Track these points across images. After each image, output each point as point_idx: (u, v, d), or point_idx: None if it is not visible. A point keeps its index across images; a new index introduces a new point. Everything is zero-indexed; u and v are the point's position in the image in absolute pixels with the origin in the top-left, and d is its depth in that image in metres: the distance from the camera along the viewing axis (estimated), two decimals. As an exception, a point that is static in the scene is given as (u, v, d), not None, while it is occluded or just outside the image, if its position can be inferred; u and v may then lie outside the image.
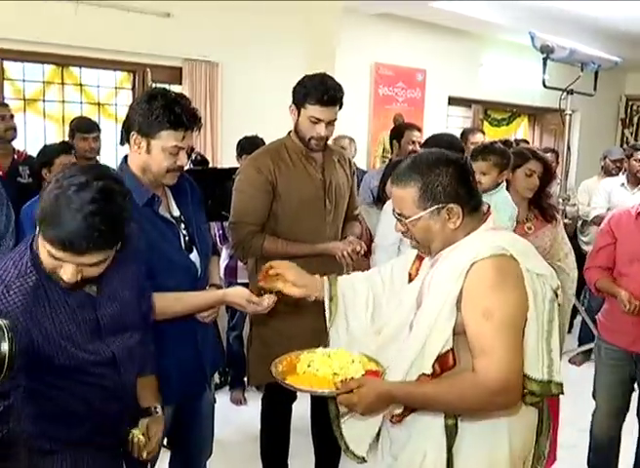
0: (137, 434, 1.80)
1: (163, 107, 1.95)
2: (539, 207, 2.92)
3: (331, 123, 2.59)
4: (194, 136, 2.08)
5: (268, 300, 2.12)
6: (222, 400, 3.95)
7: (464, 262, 1.58)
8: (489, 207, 1.78)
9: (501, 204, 2.77)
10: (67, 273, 1.47)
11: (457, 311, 1.59)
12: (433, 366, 1.61)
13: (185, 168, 2.53)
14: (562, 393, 1.63)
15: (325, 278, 2.07)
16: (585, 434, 3.01)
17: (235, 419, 3.81)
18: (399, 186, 1.68)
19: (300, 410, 2.96)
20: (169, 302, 2.03)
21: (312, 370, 1.74)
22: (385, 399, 1.63)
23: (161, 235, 2.07)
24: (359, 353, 1.80)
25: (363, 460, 1.89)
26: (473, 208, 1.68)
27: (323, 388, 1.67)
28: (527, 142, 4.81)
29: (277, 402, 2.85)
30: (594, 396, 2.93)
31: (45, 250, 1.46)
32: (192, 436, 2.34)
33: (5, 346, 0.95)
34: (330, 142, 2.86)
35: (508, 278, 1.56)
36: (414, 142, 4.10)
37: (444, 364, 1.62)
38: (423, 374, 1.63)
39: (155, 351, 1.97)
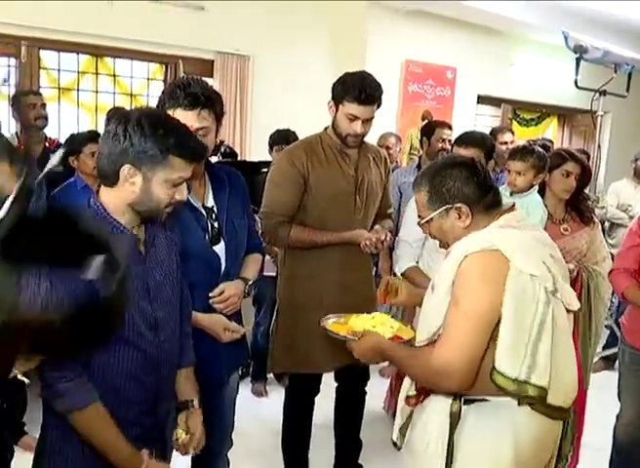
0: (180, 433, 1.84)
1: (176, 88, 2.03)
2: (576, 209, 2.90)
3: (368, 121, 2.60)
4: (209, 117, 2.05)
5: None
6: (244, 391, 3.97)
7: (459, 255, 1.68)
8: (513, 204, 1.85)
9: (532, 207, 2.78)
10: (183, 193, 1.64)
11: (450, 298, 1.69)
12: (428, 345, 1.74)
13: (214, 159, 2.54)
14: (541, 398, 1.64)
15: None
16: (609, 436, 2.99)
17: (256, 411, 3.84)
18: (415, 191, 1.85)
19: (323, 404, 2.99)
20: None
21: (351, 325, 2.10)
22: (377, 351, 1.88)
23: (182, 222, 2.07)
24: (402, 322, 2.16)
25: (395, 446, 1.98)
26: (486, 206, 1.77)
27: (342, 333, 2.06)
28: (551, 143, 4.77)
29: (301, 394, 2.88)
30: (619, 398, 2.91)
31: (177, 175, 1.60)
32: (212, 428, 2.36)
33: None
34: (375, 140, 2.88)
35: (487, 274, 1.64)
36: (444, 140, 4.07)
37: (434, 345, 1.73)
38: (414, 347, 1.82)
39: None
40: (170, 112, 1.98)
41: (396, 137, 4.89)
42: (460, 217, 1.76)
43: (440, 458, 1.72)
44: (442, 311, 1.69)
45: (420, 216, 1.86)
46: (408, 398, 1.86)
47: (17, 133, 3.87)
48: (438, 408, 1.76)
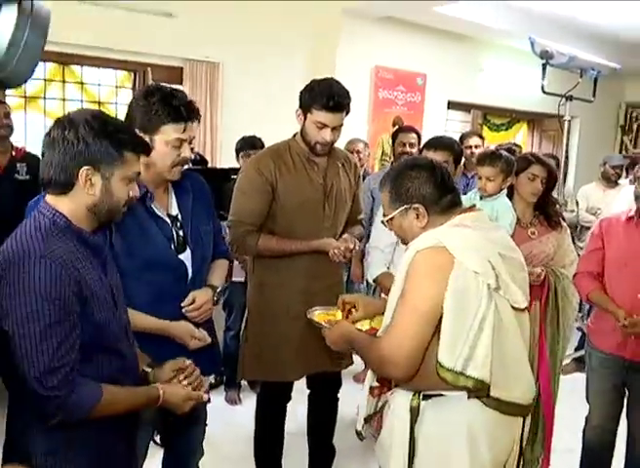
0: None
1: (160, 102, 1.98)
2: (544, 212, 2.92)
3: (337, 128, 2.59)
4: (195, 127, 2.06)
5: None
6: (217, 399, 3.96)
7: (411, 252, 1.78)
8: (473, 205, 1.96)
9: (502, 210, 2.80)
10: (135, 188, 1.67)
11: None
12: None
13: (185, 166, 2.51)
14: (479, 390, 1.71)
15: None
16: (580, 438, 3.02)
17: (230, 419, 3.81)
18: (380, 191, 1.96)
19: (295, 410, 2.97)
20: None
21: (337, 316, 2.26)
22: (344, 339, 2.00)
23: (146, 231, 2.07)
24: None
25: (359, 436, 2.09)
26: (443, 207, 1.85)
27: (319, 320, 2.23)
28: (518, 147, 4.84)
29: (272, 402, 2.86)
30: (588, 401, 2.94)
31: (132, 171, 1.64)
32: (183, 437, 2.34)
33: None
34: (342, 146, 2.87)
35: (433, 269, 1.72)
36: (405, 144, 4.10)
37: None
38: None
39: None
40: (171, 125, 1.98)
41: (364, 144, 4.91)
42: (417, 217, 1.85)
43: (403, 452, 1.79)
44: (392, 307, 1.80)
45: (384, 215, 1.95)
46: (371, 388, 1.97)
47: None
48: (400, 402, 1.84)
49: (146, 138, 1.99)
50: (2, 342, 1.49)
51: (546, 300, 2.79)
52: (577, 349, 5.01)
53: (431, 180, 1.84)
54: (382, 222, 1.98)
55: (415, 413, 1.79)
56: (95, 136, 1.54)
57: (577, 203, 5.55)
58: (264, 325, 2.71)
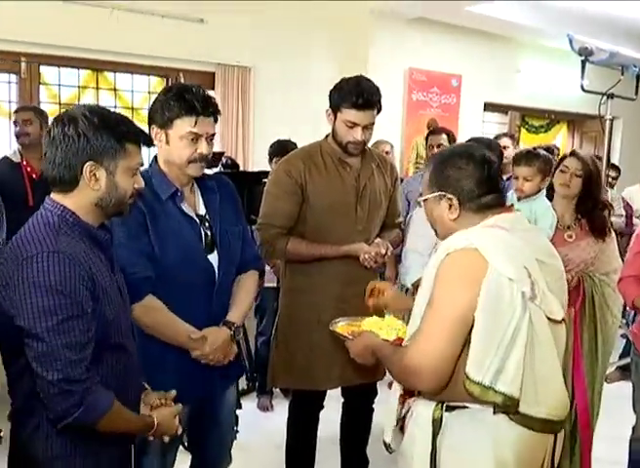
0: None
1: (175, 96, 1.98)
2: (587, 216, 2.76)
3: (368, 127, 2.51)
4: (211, 123, 2.03)
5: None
6: (250, 406, 3.92)
7: (441, 253, 1.67)
8: (511, 205, 1.85)
9: (541, 212, 2.70)
10: (140, 180, 1.66)
11: None
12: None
13: (215, 171, 2.49)
14: (508, 407, 1.59)
15: None
16: (626, 450, 2.89)
17: (262, 426, 3.76)
18: (426, 167, 1.87)
19: (329, 417, 2.90)
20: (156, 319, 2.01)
21: (361, 326, 2.15)
22: (369, 350, 1.91)
23: (179, 230, 2.05)
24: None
25: (388, 448, 1.95)
26: (480, 206, 1.72)
27: (341, 332, 2.14)
28: (557, 148, 4.72)
29: (304, 410, 2.80)
30: (634, 410, 2.81)
31: (135, 163, 1.63)
32: (209, 442, 2.30)
33: None
34: (370, 147, 2.80)
35: (464, 274, 1.61)
36: (433, 147, 4.08)
37: None
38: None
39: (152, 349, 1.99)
40: (185, 119, 1.97)
41: (391, 145, 4.85)
42: (450, 208, 1.73)
43: (424, 462, 1.70)
44: (420, 310, 1.70)
45: (421, 194, 1.85)
46: (401, 396, 1.87)
47: (19, 149, 3.84)
48: (423, 413, 1.74)
49: (162, 134, 2.01)
50: (14, 341, 1.48)
51: (581, 307, 2.65)
52: (621, 357, 4.83)
53: (475, 176, 1.71)
54: (418, 203, 1.90)
55: (437, 425, 1.69)
56: (95, 131, 1.53)
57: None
58: (295, 331, 2.64)
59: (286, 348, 2.68)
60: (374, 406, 2.91)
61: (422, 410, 1.74)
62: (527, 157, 2.78)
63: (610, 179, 5.23)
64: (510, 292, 1.57)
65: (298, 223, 2.59)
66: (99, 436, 1.57)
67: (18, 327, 1.45)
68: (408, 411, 1.86)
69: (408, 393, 1.85)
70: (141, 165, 1.67)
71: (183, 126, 1.98)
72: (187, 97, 1.98)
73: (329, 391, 2.79)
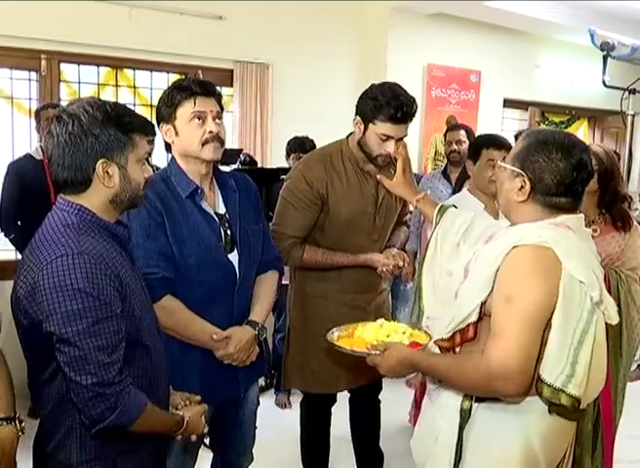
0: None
1: (173, 88, 2.03)
2: (609, 211, 2.72)
3: (401, 139, 2.40)
4: (212, 102, 2.03)
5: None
6: (267, 403, 3.93)
7: (507, 244, 1.60)
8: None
9: None
10: (149, 169, 1.63)
11: (490, 290, 1.61)
12: (454, 334, 1.68)
13: (233, 167, 2.48)
14: (576, 408, 1.57)
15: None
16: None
17: (280, 423, 3.77)
18: (520, 138, 1.74)
19: (339, 417, 2.90)
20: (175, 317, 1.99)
21: (362, 337, 1.94)
22: (405, 365, 1.76)
23: (198, 229, 2.04)
24: (410, 326, 2.00)
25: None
26: (552, 204, 1.66)
27: (359, 348, 1.87)
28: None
29: (316, 405, 2.79)
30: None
31: (143, 152, 1.59)
32: (231, 441, 2.30)
33: None
34: None
35: (541, 271, 1.55)
36: (451, 143, 4.15)
37: (464, 334, 1.67)
38: (442, 339, 1.72)
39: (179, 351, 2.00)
40: (185, 104, 1.99)
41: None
42: (520, 189, 1.67)
43: (449, 453, 1.69)
44: (477, 298, 1.63)
45: (504, 159, 1.78)
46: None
47: (41, 146, 3.87)
48: (448, 403, 1.72)
49: (170, 128, 2.03)
50: (43, 347, 1.46)
51: None
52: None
53: (561, 175, 1.64)
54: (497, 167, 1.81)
55: (466, 416, 1.68)
56: (101, 127, 1.48)
57: None
58: (307, 337, 2.62)
59: (299, 352, 2.67)
60: (392, 399, 2.91)
61: (448, 402, 1.72)
62: None
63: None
64: (580, 296, 1.56)
65: (314, 231, 2.55)
66: (131, 437, 1.55)
67: (47, 332, 1.42)
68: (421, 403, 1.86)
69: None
70: (149, 153, 1.65)
71: (186, 110, 1.99)
72: (184, 84, 2.02)
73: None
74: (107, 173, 1.51)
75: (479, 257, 1.71)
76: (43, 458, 1.59)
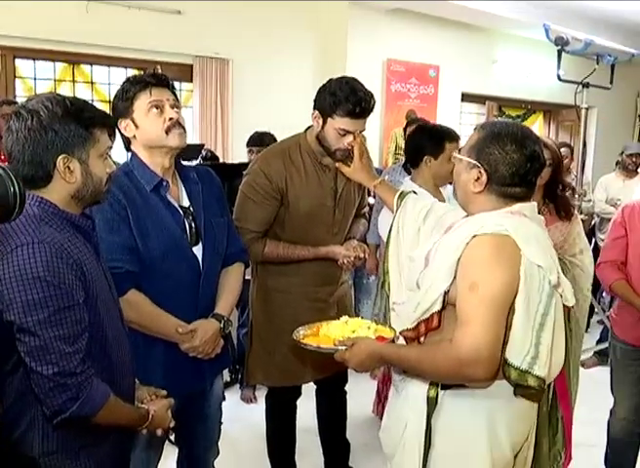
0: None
1: (128, 82, 2.01)
2: (553, 201, 2.81)
3: (359, 133, 2.41)
4: (167, 92, 2.02)
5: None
6: (233, 398, 3.92)
7: (467, 234, 1.63)
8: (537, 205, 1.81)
9: None
10: (111, 164, 1.60)
11: (452, 279, 1.64)
12: (418, 323, 1.71)
13: (195, 163, 2.46)
14: (541, 388, 1.62)
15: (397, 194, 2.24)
16: (604, 433, 2.95)
17: (245, 417, 3.77)
18: (475, 129, 1.79)
19: (306, 410, 2.92)
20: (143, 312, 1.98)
21: (327, 334, 1.93)
22: (375, 358, 1.76)
23: (162, 221, 2.02)
24: (373, 321, 1.99)
25: None
26: (505, 194, 1.71)
27: (326, 345, 1.86)
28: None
29: (281, 399, 2.80)
30: (613, 393, 2.86)
31: (105, 147, 1.58)
32: (197, 435, 2.29)
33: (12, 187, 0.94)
34: None
35: (502, 258, 1.59)
36: None
37: (428, 323, 1.70)
38: (406, 329, 1.75)
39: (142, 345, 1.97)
40: (140, 96, 1.97)
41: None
42: (477, 180, 1.71)
43: (417, 442, 1.71)
44: (439, 287, 1.66)
45: (459, 151, 1.83)
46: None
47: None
48: (415, 392, 1.74)
49: (129, 122, 2.00)
50: (4, 337, 1.43)
51: None
52: (598, 342, 4.91)
53: (515, 166, 1.68)
54: (453, 158, 1.84)
55: (432, 404, 1.70)
56: (61, 122, 1.46)
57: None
58: (270, 332, 2.62)
59: (262, 347, 2.67)
60: (356, 391, 2.94)
61: (415, 391, 1.75)
62: None
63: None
64: (539, 280, 1.61)
65: (274, 225, 2.55)
66: (95, 429, 1.55)
67: (8, 321, 1.40)
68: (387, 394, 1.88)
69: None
70: (111, 148, 1.62)
71: (142, 102, 1.98)
72: (137, 77, 2.02)
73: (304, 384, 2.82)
74: (68, 168, 1.49)
75: (439, 247, 1.74)
76: (6, 450, 1.56)
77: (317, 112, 2.43)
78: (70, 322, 1.43)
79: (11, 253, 1.40)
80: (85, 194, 1.55)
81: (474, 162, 1.71)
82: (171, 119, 1.99)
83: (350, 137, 2.38)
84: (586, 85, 4.17)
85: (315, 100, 2.44)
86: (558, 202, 2.76)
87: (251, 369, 2.73)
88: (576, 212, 2.85)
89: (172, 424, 1.79)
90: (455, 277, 1.64)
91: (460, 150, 1.83)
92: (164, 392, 1.82)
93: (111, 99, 2.11)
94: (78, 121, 1.49)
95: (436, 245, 1.78)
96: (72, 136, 1.48)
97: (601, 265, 2.76)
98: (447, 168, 2.83)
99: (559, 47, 4.05)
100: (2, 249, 1.42)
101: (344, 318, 2.03)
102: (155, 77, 2.01)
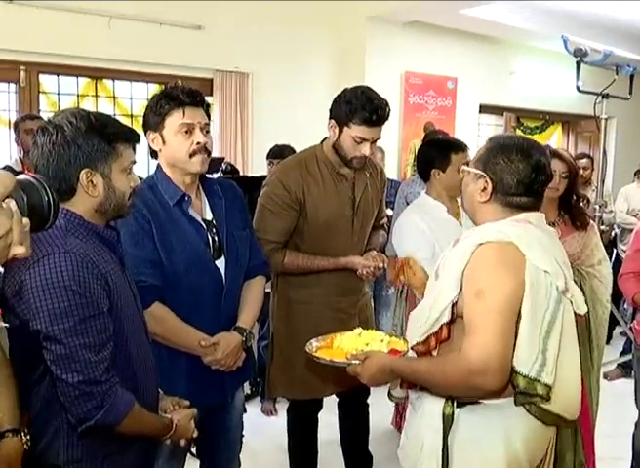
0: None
1: (161, 96, 2.01)
2: (568, 212, 2.80)
3: (375, 141, 2.45)
4: (200, 113, 2.03)
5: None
6: (253, 410, 3.94)
7: (471, 243, 1.66)
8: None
9: None
10: (135, 178, 1.62)
11: (459, 289, 1.65)
12: (428, 337, 1.72)
13: (215, 176, 2.49)
14: (547, 397, 1.60)
15: None
16: (629, 446, 2.91)
17: (266, 430, 3.77)
18: (484, 143, 1.85)
19: (327, 421, 2.92)
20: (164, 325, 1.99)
21: (341, 347, 1.95)
22: (385, 371, 1.77)
23: (186, 236, 2.04)
24: (388, 333, 2.04)
25: (391, 397, 2.12)
26: (511, 203, 1.74)
27: (338, 359, 1.88)
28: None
29: (303, 412, 2.80)
30: (637, 405, 2.83)
31: (128, 162, 1.59)
32: (219, 447, 2.30)
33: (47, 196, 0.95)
34: None
35: (507, 264, 1.60)
36: None
37: (438, 335, 1.71)
38: (417, 343, 1.76)
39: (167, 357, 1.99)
40: (173, 114, 1.98)
41: (382, 152, 4.89)
42: (483, 190, 1.75)
43: (435, 460, 1.70)
44: (447, 298, 1.67)
45: (466, 163, 1.90)
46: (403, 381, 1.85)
47: (20, 158, 3.86)
48: (431, 411, 1.74)
49: (157, 136, 2.02)
50: (31, 346, 1.46)
51: None
52: (622, 354, 4.86)
53: (520, 176, 1.71)
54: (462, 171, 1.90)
55: (448, 422, 1.69)
56: (84, 137, 1.49)
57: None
58: (292, 344, 2.60)
59: (283, 359, 2.67)
60: (376, 405, 2.93)
61: (431, 407, 1.75)
62: None
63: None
64: (546, 285, 1.61)
65: (294, 236, 2.56)
66: (119, 438, 1.56)
67: (34, 330, 1.42)
68: (405, 410, 1.89)
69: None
70: (134, 162, 1.64)
71: (174, 120, 1.99)
72: (172, 93, 2.00)
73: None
74: (91, 182, 1.52)
75: (447, 260, 1.76)
76: (32, 459, 1.57)
77: (333, 121, 2.46)
78: (96, 331, 1.45)
79: (38, 263, 1.43)
80: (108, 208, 1.57)
81: (480, 172, 1.75)
82: (198, 143, 2.01)
83: (367, 145, 2.40)
84: (606, 96, 4.16)
85: (331, 110, 2.48)
86: (573, 212, 2.75)
87: (272, 381, 2.73)
88: (592, 222, 2.84)
89: (195, 434, 1.79)
90: (461, 288, 1.65)
91: (468, 163, 1.87)
92: (187, 402, 1.82)
93: (133, 114, 2.14)
94: (101, 136, 1.51)
95: (444, 259, 1.80)
96: (95, 150, 1.51)
97: (623, 277, 2.74)
98: (457, 178, 2.82)
99: (578, 58, 4.04)
100: (29, 258, 1.44)
101: (358, 330, 2.05)
102: (190, 95, 2.01)
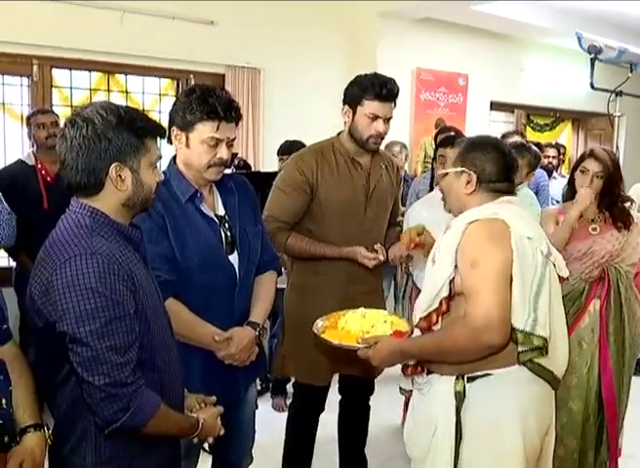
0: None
1: (198, 99, 1.96)
2: (609, 210, 2.80)
3: (388, 120, 2.52)
4: (232, 128, 2.02)
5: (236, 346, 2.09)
6: (264, 406, 3.94)
7: (463, 223, 1.85)
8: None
9: (527, 202, 2.90)
10: (160, 173, 1.65)
11: (454, 265, 1.82)
12: (429, 313, 1.86)
13: (228, 171, 2.51)
14: (544, 348, 1.75)
15: None
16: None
17: (276, 426, 3.77)
18: (453, 147, 2.11)
19: (326, 419, 2.91)
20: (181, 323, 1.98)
21: (347, 329, 2.06)
22: (396, 353, 1.90)
23: (199, 231, 2.06)
24: (390, 313, 2.20)
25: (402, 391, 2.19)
26: (495, 189, 1.92)
27: (348, 342, 1.99)
28: (563, 147, 4.74)
29: (304, 410, 2.81)
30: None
31: (155, 156, 1.60)
32: (231, 442, 2.30)
33: None
34: (381, 148, 2.80)
35: (496, 236, 1.78)
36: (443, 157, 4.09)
37: (439, 310, 1.85)
38: (420, 319, 1.90)
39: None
40: (206, 124, 1.96)
41: (401, 146, 4.88)
42: (467, 183, 1.92)
43: (449, 437, 1.80)
44: (444, 277, 1.82)
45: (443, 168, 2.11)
46: (405, 367, 1.96)
47: (33, 152, 3.88)
48: (441, 389, 1.85)
49: (183, 136, 2.00)
50: (57, 348, 1.46)
51: (606, 298, 2.68)
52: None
53: (499, 163, 1.92)
54: (439, 176, 2.08)
55: (461, 397, 1.79)
56: (115, 130, 1.48)
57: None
58: (300, 326, 2.62)
59: (290, 341, 2.72)
60: (386, 402, 2.93)
61: (441, 388, 1.85)
62: (520, 149, 3.03)
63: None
64: (532, 250, 1.79)
65: (305, 220, 2.61)
66: (146, 439, 1.56)
67: (61, 332, 1.42)
68: (410, 394, 1.96)
69: (418, 365, 1.92)
70: (161, 158, 1.64)
71: (205, 130, 1.97)
72: (211, 100, 1.96)
73: (328, 395, 2.81)
74: (120, 176, 1.51)
75: (441, 245, 1.92)
76: (59, 461, 1.58)
77: (347, 106, 2.55)
78: (122, 333, 1.44)
79: (64, 264, 1.43)
80: (136, 202, 1.57)
81: (461, 169, 1.93)
82: (220, 158, 2.02)
83: (380, 122, 2.49)
84: (620, 93, 4.14)
85: (344, 96, 2.58)
86: (614, 212, 2.76)
87: (278, 360, 2.78)
88: (636, 221, 2.83)
89: (222, 432, 1.78)
90: (457, 266, 1.81)
91: (444, 167, 2.12)
92: (213, 398, 1.82)
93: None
94: (131, 130, 1.51)
95: (438, 244, 1.97)
96: (125, 144, 1.50)
97: (638, 276, 2.75)
98: None
99: (592, 55, 4.02)
100: (56, 259, 1.45)
101: (362, 310, 2.15)
102: (228, 110, 1.98)
